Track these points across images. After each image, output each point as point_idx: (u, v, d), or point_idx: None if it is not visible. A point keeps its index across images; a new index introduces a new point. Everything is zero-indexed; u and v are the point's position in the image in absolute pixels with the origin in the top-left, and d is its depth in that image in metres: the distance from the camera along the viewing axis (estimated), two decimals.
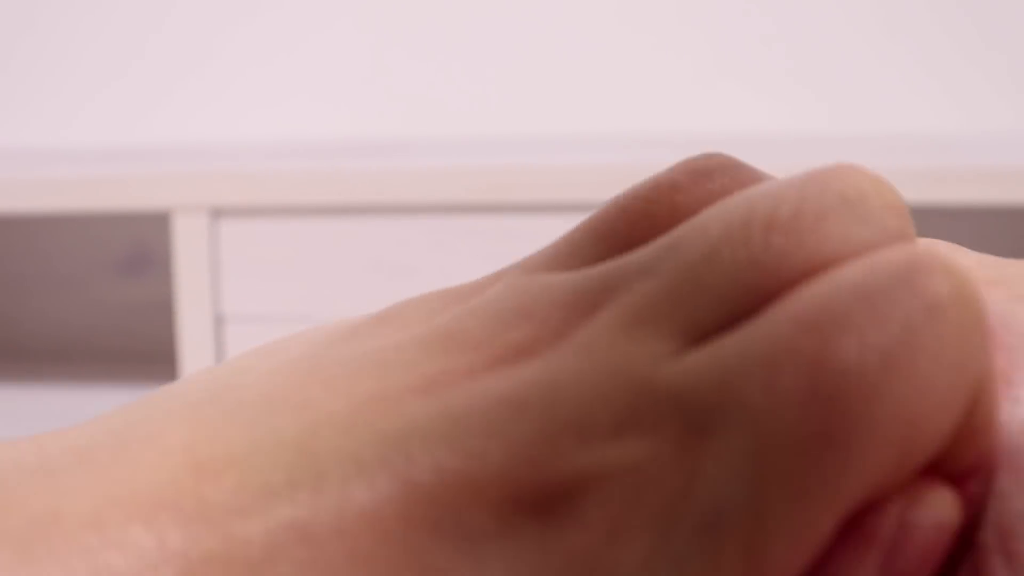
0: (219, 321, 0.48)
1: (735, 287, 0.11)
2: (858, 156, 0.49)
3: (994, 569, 0.10)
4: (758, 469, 0.10)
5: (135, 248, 0.56)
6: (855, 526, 0.10)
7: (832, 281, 0.10)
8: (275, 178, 0.46)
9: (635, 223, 0.12)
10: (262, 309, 0.49)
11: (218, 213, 0.47)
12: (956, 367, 0.10)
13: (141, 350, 0.62)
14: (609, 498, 0.10)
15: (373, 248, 0.47)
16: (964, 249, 0.12)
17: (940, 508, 0.10)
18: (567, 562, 0.10)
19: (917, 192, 0.43)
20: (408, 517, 0.11)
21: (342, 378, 0.12)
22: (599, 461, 0.10)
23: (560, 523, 0.10)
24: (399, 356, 0.13)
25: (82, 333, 0.62)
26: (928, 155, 0.49)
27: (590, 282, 0.12)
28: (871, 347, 0.09)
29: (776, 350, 0.10)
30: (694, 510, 0.10)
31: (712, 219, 0.11)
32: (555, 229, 0.45)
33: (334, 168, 0.44)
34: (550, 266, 0.13)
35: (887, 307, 0.10)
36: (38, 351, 0.62)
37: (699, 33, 0.59)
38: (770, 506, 0.10)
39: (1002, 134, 0.58)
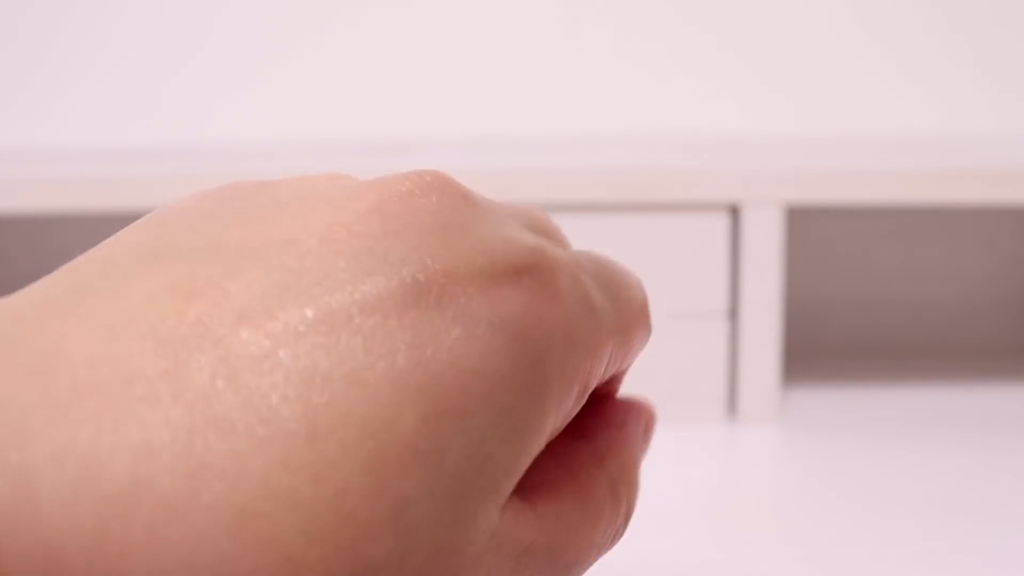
0: None
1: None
2: (857, 156, 0.49)
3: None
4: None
5: None
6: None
7: None
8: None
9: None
10: None
11: None
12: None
13: None
14: None
15: None
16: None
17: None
18: None
19: (916, 192, 0.43)
20: (404, 301, 0.15)
21: (287, 210, 0.16)
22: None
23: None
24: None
25: None
26: (926, 155, 0.49)
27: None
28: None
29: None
30: None
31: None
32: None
33: (334, 168, 0.44)
34: None
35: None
36: None
37: (699, 33, 0.59)
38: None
39: (1000, 135, 0.58)
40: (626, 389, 0.46)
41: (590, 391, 0.18)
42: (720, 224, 0.44)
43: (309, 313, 0.14)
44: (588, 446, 0.19)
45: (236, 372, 0.13)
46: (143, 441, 0.12)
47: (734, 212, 0.44)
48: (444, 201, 0.16)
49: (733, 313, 0.45)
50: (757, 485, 0.39)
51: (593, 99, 0.59)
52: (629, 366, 0.20)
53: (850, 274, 0.56)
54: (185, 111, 0.59)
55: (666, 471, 0.40)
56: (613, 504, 0.19)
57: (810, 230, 0.55)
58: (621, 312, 0.18)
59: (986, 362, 0.54)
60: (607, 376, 0.18)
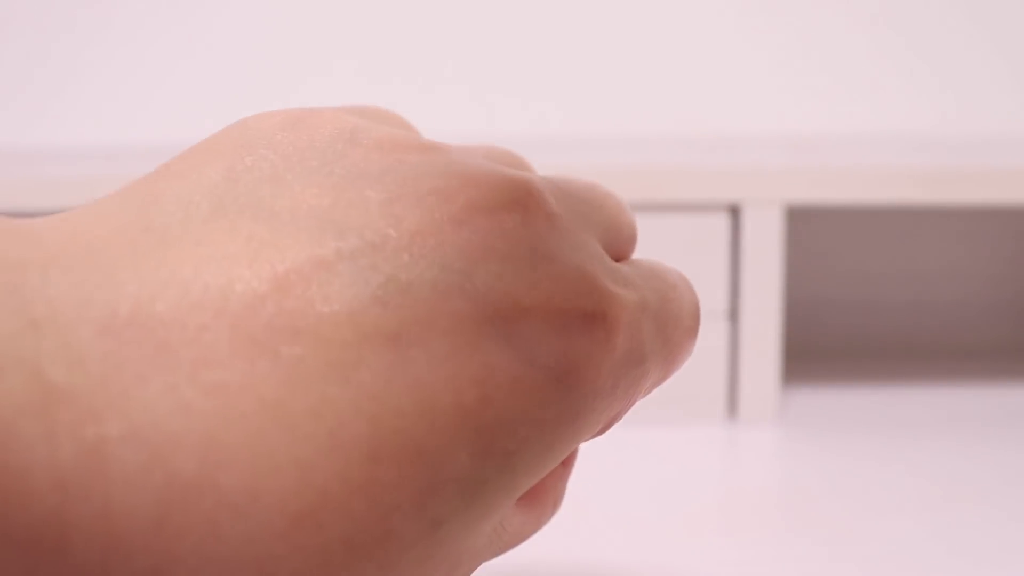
0: None
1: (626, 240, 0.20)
2: (857, 156, 0.49)
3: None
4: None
5: None
6: None
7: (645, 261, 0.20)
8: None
9: None
10: None
11: None
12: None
13: None
14: None
15: None
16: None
17: None
18: None
19: (916, 192, 0.43)
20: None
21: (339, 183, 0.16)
22: None
23: None
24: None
25: None
26: (926, 155, 0.49)
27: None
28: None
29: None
30: None
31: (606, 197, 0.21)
32: None
33: None
34: None
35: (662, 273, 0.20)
36: None
37: (699, 33, 0.59)
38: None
39: (1000, 135, 0.58)
40: None
41: (614, 424, 0.19)
42: (720, 224, 0.44)
43: (390, 324, 0.14)
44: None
45: (311, 377, 0.13)
46: (211, 434, 0.13)
47: (734, 212, 0.44)
48: (529, 222, 0.16)
49: (733, 314, 0.45)
50: (757, 486, 0.39)
51: (593, 99, 0.59)
52: None
53: (850, 274, 0.56)
54: (185, 111, 0.59)
55: (666, 472, 0.40)
56: (551, 514, 0.20)
57: (810, 230, 0.55)
58: (669, 354, 0.20)
59: (986, 362, 0.54)
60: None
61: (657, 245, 0.44)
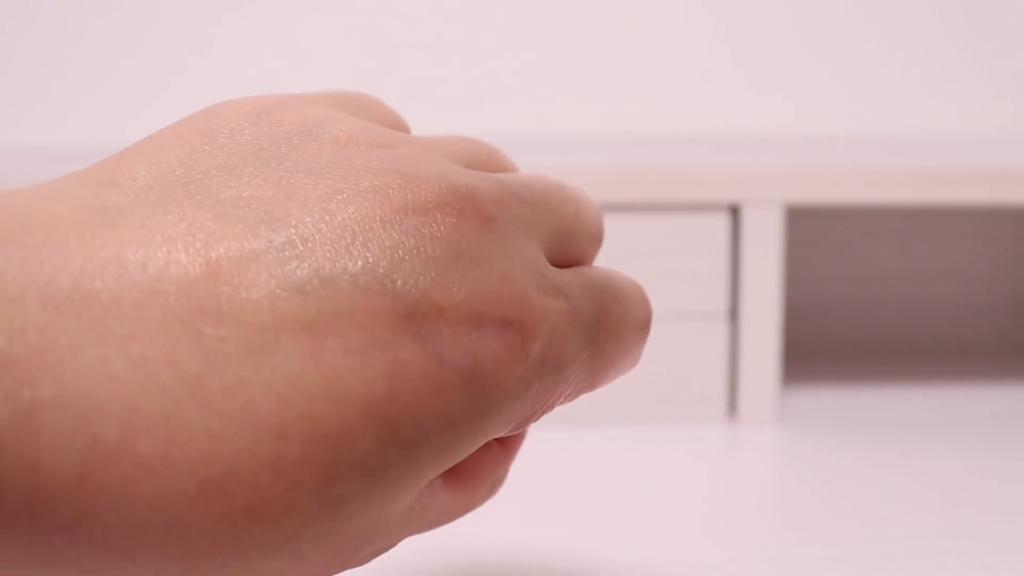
0: None
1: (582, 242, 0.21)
2: (857, 156, 0.49)
3: None
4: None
5: None
6: None
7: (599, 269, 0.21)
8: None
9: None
10: None
11: None
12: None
13: None
14: None
15: None
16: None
17: None
18: None
19: (916, 192, 0.43)
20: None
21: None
22: None
23: None
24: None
25: None
26: (926, 155, 0.49)
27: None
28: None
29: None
30: None
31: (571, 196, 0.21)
32: None
33: None
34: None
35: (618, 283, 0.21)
36: None
37: (700, 33, 0.59)
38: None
39: (1001, 135, 0.58)
40: (626, 390, 0.46)
41: (530, 423, 0.19)
42: (720, 224, 0.44)
43: (309, 313, 0.15)
44: (496, 446, 0.21)
45: (229, 357, 0.14)
46: (134, 403, 0.14)
47: (734, 212, 0.44)
48: (460, 226, 0.17)
49: (733, 314, 0.45)
50: (757, 486, 0.39)
51: (593, 99, 0.59)
52: None
53: (850, 274, 0.56)
54: (184, 111, 0.59)
55: (666, 472, 0.40)
56: (485, 496, 0.21)
57: (810, 230, 0.55)
58: (597, 364, 0.20)
59: (986, 362, 0.54)
60: (557, 406, 0.20)
61: (657, 245, 0.44)
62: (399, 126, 0.21)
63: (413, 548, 0.32)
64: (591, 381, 0.20)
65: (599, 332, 0.19)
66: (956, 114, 0.59)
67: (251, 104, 0.19)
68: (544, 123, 0.59)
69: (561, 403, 0.19)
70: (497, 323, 0.17)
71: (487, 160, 0.20)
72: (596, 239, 0.21)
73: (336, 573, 0.17)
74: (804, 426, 0.45)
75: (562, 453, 0.41)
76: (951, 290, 0.56)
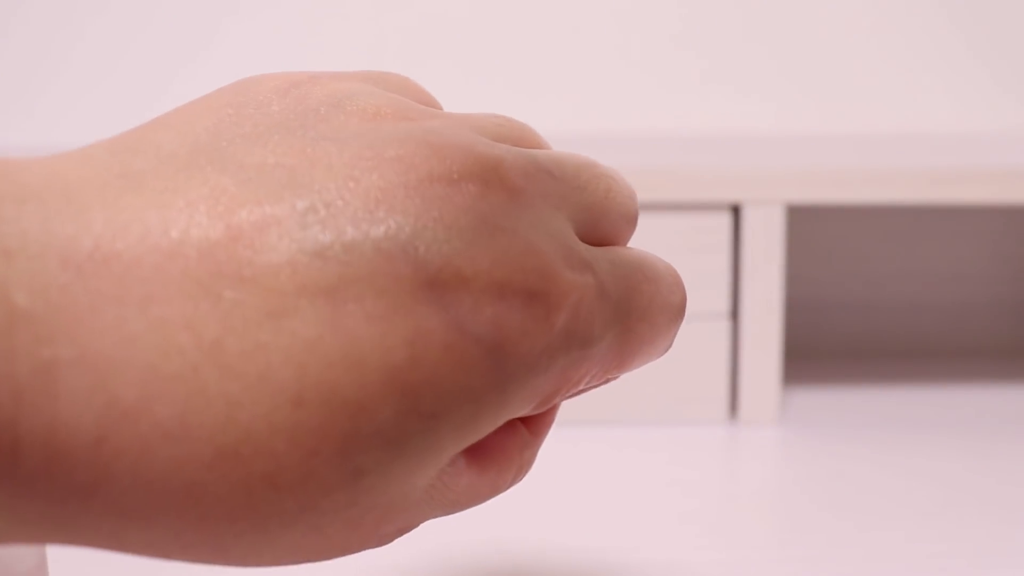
0: None
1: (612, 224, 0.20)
2: (857, 156, 0.49)
3: None
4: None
5: None
6: None
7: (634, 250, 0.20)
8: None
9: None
10: None
11: None
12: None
13: None
14: None
15: None
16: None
17: None
18: None
19: (916, 192, 0.43)
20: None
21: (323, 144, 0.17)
22: None
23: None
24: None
25: None
26: (926, 155, 0.49)
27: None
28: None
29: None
30: None
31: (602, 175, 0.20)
32: None
33: None
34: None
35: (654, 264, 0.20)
36: None
37: (701, 33, 0.59)
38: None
39: (1001, 134, 0.58)
40: (627, 390, 0.45)
41: (555, 402, 0.19)
42: (721, 224, 0.44)
43: (330, 278, 0.15)
44: (523, 428, 0.20)
45: (248, 321, 0.14)
46: (152, 365, 0.14)
47: (735, 212, 0.44)
48: (486, 195, 0.16)
49: (734, 314, 0.45)
50: (758, 486, 0.39)
51: (593, 99, 0.59)
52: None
53: (850, 275, 0.56)
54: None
55: (667, 472, 0.40)
56: (511, 481, 0.20)
57: (811, 230, 0.55)
58: (626, 344, 0.19)
59: (986, 362, 0.54)
60: (584, 387, 0.19)
61: (658, 245, 0.44)
62: (432, 104, 0.21)
63: (412, 546, 0.32)
64: (620, 361, 0.19)
65: (629, 311, 0.19)
66: (957, 114, 0.59)
67: (281, 78, 0.18)
68: (545, 123, 0.59)
69: (588, 384, 0.19)
70: (521, 294, 0.16)
71: (519, 137, 0.20)
72: (629, 219, 0.20)
73: (356, 551, 0.16)
74: (805, 426, 0.45)
75: (563, 452, 0.41)
76: (951, 290, 0.56)
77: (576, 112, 0.59)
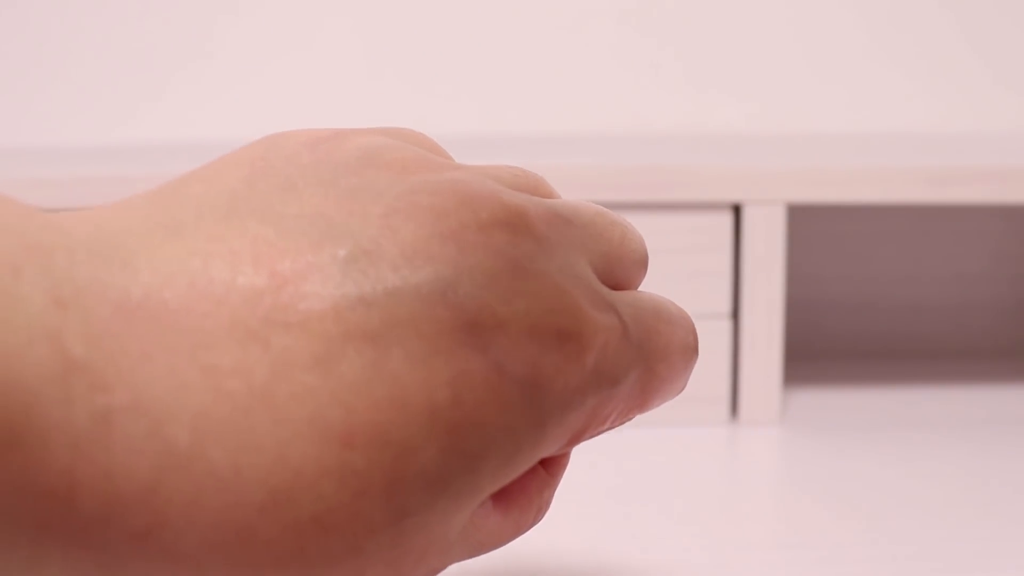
0: None
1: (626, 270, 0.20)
2: (857, 156, 0.49)
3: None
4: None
5: None
6: None
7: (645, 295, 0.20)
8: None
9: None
10: None
11: None
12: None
13: None
14: None
15: None
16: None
17: None
18: None
19: (916, 192, 0.43)
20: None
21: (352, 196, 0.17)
22: None
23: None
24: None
25: None
26: (926, 155, 0.49)
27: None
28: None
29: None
30: None
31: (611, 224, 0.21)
32: None
33: None
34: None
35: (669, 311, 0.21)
36: None
37: (701, 33, 0.59)
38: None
39: (1001, 134, 0.58)
40: None
41: (582, 440, 0.19)
42: (722, 224, 0.44)
43: (373, 323, 0.15)
44: (541, 469, 0.21)
45: (296, 365, 0.15)
46: (204, 411, 0.14)
47: (736, 212, 0.44)
48: (516, 242, 0.17)
49: (735, 314, 0.45)
50: (759, 487, 0.39)
51: (594, 98, 0.59)
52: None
53: (851, 275, 0.56)
54: (184, 111, 0.59)
55: (668, 473, 0.40)
56: (533, 521, 0.21)
57: (812, 229, 0.55)
58: (648, 384, 0.20)
59: (986, 362, 0.54)
60: (608, 426, 0.20)
61: (659, 245, 0.44)
62: (445, 156, 0.22)
63: None
64: (642, 400, 0.20)
65: (650, 352, 0.20)
66: (957, 113, 0.59)
67: (307, 134, 0.19)
68: (546, 123, 0.59)
69: (612, 423, 0.20)
70: (555, 334, 0.17)
71: (534, 187, 0.21)
72: (641, 264, 0.22)
73: None
74: (805, 427, 0.45)
75: None
76: (952, 290, 0.56)
77: (576, 112, 0.59)
